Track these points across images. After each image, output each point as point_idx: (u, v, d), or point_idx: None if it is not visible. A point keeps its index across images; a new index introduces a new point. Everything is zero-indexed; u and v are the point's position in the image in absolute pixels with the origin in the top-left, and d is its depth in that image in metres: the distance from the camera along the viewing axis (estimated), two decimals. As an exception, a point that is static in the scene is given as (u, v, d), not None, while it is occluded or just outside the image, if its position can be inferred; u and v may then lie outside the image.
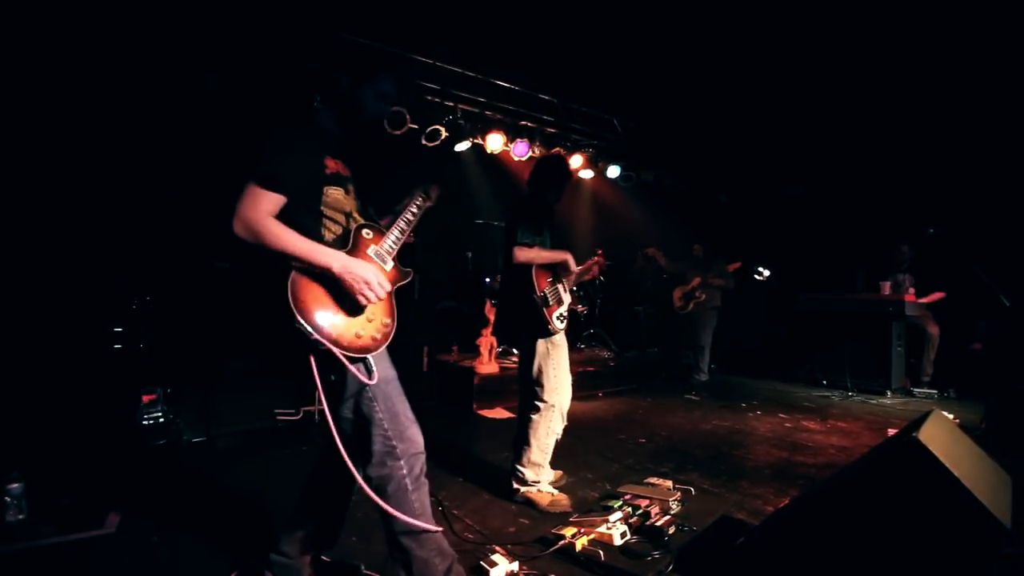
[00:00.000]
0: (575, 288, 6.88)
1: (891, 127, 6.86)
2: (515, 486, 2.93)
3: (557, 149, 6.67)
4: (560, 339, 3.01)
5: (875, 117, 6.82)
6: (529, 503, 2.86)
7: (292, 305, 1.53)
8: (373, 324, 1.70)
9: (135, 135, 4.50)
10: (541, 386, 2.93)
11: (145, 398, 3.78)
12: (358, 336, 1.64)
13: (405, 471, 1.70)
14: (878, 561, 1.76)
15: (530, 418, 2.94)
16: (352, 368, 1.60)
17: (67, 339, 4.10)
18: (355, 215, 1.80)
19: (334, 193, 1.73)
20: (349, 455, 1.87)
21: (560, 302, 2.99)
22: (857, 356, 6.14)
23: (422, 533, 1.70)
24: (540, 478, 2.92)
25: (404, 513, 1.66)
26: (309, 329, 1.54)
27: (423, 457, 1.77)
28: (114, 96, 4.31)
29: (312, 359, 1.59)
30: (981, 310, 4.74)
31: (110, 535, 2.50)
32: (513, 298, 2.96)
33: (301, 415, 4.43)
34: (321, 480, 1.93)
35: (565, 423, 3.06)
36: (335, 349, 1.57)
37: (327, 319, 1.59)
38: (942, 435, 1.92)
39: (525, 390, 3.03)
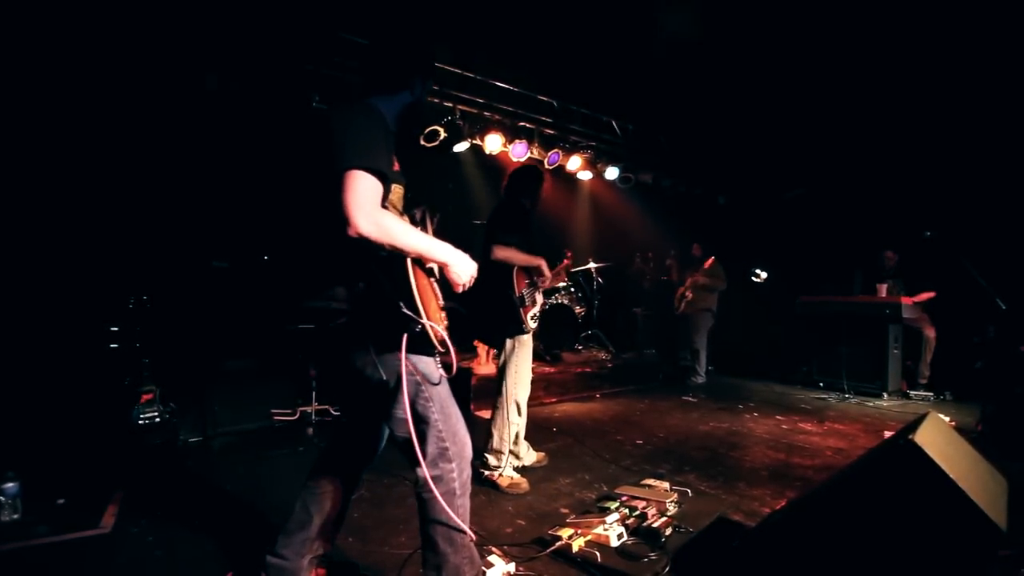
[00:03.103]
0: (572, 289, 6.93)
1: (888, 129, 6.88)
2: (479, 469, 3.18)
3: (556, 150, 6.68)
4: (527, 339, 3.26)
5: (872, 119, 6.84)
6: (491, 484, 3.13)
7: (413, 290, 1.56)
8: (443, 322, 1.73)
9: (133, 134, 4.50)
10: (504, 380, 3.22)
11: (142, 398, 3.78)
12: (437, 331, 1.66)
13: (456, 474, 1.69)
14: (875, 563, 1.77)
15: (496, 406, 3.24)
16: (452, 354, 1.66)
17: (63, 338, 4.10)
18: (404, 214, 1.80)
19: (399, 191, 1.75)
20: (366, 457, 1.93)
21: (534, 303, 3.28)
22: (854, 358, 6.15)
23: (460, 539, 1.69)
24: (501, 462, 3.18)
25: (450, 517, 1.65)
26: (425, 321, 1.57)
27: (471, 459, 1.77)
28: (112, 95, 4.30)
29: (404, 338, 1.58)
30: (988, 314, 4.75)
31: (105, 535, 2.49)
32: (490, 296, 3.15)
33: (298, 415, 4.43)
34: (321, 481, 1.92)
35: (524, 417, 3.32)
36: (442, 332, 1.63)
37: (428, 308, 1.64)
38: (938, 438, 1.93)
39: (496, 383, 3.30)
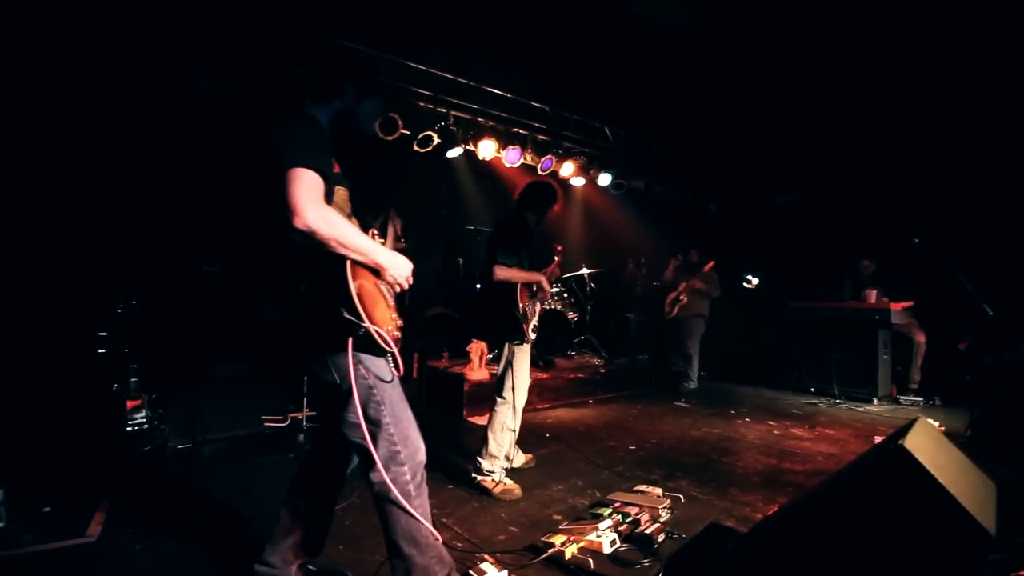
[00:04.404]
0: (565, 294, 6.94)
1: (878, 136, 6.96)
2: (472, 474, 3.22)
3: (549, 156, 6.70)
4: (526, 346, 3.34)
5: (862, 126, 6.92)
6: (483, 490, 3.13)
7: (352, 295, 1.57)
8: (395, 322, 1.75)
9: (123, 137, 4.46)
10: (503, 384, 3.28)
11: (130, 404, 3.73)
12: (389, 331, 1.69)
13: (408, 476, 1.70)
14: (865, 567, 1.77)
15: (494, 411, 3.27)
16: (394, 354, 1.69)
17: (49, 343, 4.04)
18: (352, 217, 1.81)
19: (342, 193, 1.77)
20: (346, 459, 1.90)
21: (535, 314, 3.41)
22: (844, 364, 6.20)
23: (424, 540, 1.70)
24: (495, 468, 3.17)
25: (408, 518, 1.67)
26: (367, 324, 1.59)
27: (424, 462, 1.77)
28: (104, 98, 4.27)
29: (350, 342, 1.61)
30: (973, 320, 4.80)
31: (91, 543, 2.46)
32: (495, 309, 3.29)
33: (288, 421, 4.39)
34: (306, 486, 1.91)
35: (519, 422, 3.33)
36: (385, 335, 1.64)
37: (374, 311, 1.66)
38: (928, 442, 1.94)
39: (496, 389, 3.36)
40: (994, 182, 6.45)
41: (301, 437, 4.20)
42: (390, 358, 1.73)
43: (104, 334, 4.09)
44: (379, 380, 1.69)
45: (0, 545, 2.39)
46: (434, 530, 1.73)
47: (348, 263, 1.60)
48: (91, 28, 4.03)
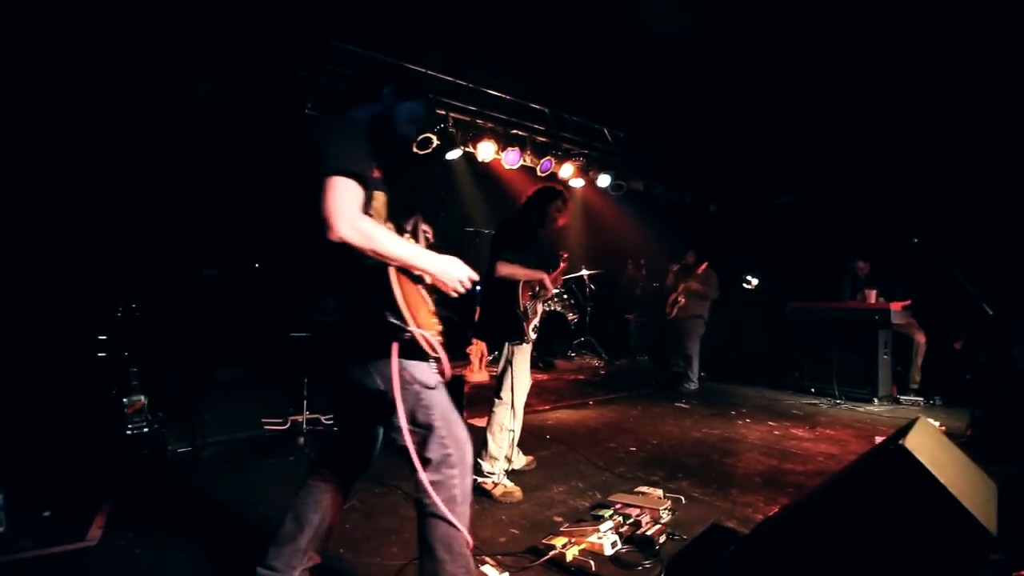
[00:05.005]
0: (565, 296, 6.94)
1: (876, 136, 6.98)
2: (472, 476, 3.09)
3: (548, 158, 6.71)
4: (526, 347, 3.33)
5: (860, 127, 6.93)
6: (483, 492, 3.09)
7: (398, 299, 1.55)
8: (436, 327, 1.71)
9: (123, 140, 4.47)
10: (502, 384, 3.27)
11: (129, 408, 3.73)
12: (433, 336, 1.66)
13: (457, 480, 1.68)
14: (866, 568, 1.77)
15: (492, 412, 3.27)
16: (443, 360, 1.66)
17: (49, 347, 4.04)
18: (388, 222, 1.80)
19: (381, 198, 1.76)
20: (364, 465, 1.92)
21: (536, 313, 3.38)
22: (845, 364, 6.19)
23: (458, 548, 1.67)
24: (495, 470, 3.16)
25: (451, 524, 1.64)
26: (413, 329, 1.57)
27: (472, 463, 1.76)
28: (103, 101, 4.28)
29: (395, 348, 1.59)
30: (971, 320, 4.80)
31: (92, 548, 2.45)
32: (496, 307, 3.28)
33: (289, 424, 4.39)
34: (313, 492, 1.90)
35: (519, 423, 3.34)
36: (432, 339, 1.61)
37: (417, 315, 1.63)
38: (928, 442, 1.94)
39: (496, 390, 3.35)
40: (992, 181, 6.46)
41: (301, 440, 4.20)
42: (434, 363, 1.70)
43: (104, 338, 4.09)
44: (425, 385, 1.67)
45: (0, 550, 2.39)
46: (469, 538, 1.71)
47: (392, 268, 1.58)
48: (92, 32, 4.03)
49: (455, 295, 1.73)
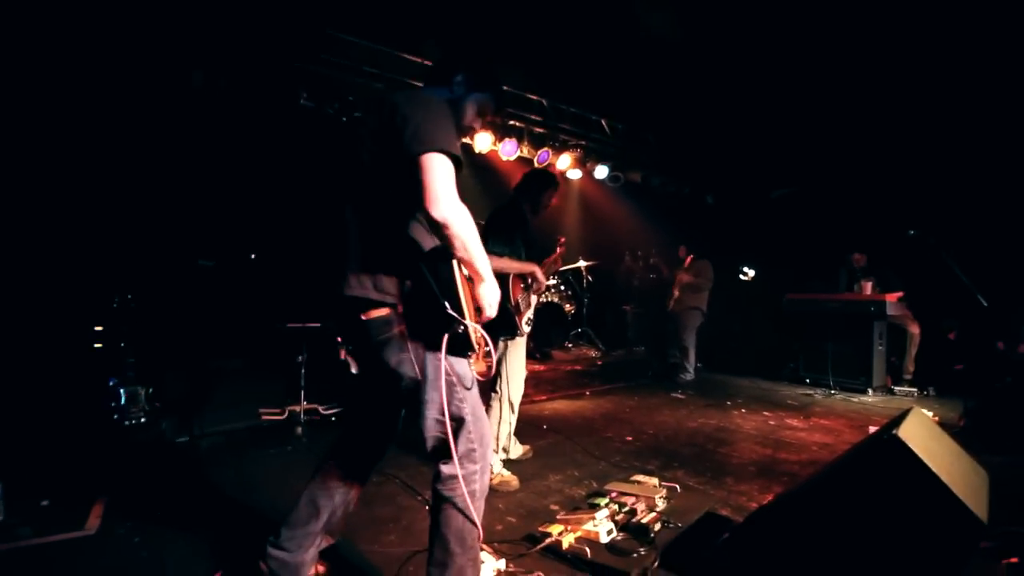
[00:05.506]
0: (562, 287, 6.94)
1: (874, 128, 6.97)
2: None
3: (545, 149, 6.68)
4: (521, 340, 3.32)
5: (857, 119, 6.92)
6: None
7: (460, 291, 1.55)
8: (475, 320, 1.71)
9: (117, 130, 4.43)
10: (497, 379, 3.28)
11: (127, 398, 3.73)
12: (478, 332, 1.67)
13: (479, 475, 1.67)
14: (859, 555, 1.79)
15: (488, 405, 3.25)
16: (492, 356, 1.69)
17: (46, 337, 4.03)
18: None
19: None
20: (381, 451, 1.96)
21: (529, 306, 3.33)
22: (840, 355, 6.23)
23: (471, 541, 1.67)
24: (492, 460, 3.10)
25: (468, 517, 1.64)
26: (468, 322, 1.57)
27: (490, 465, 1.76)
28: (97, 91, 4.23)
29: (445, 339, 1.57)
30: (965, 312, 4.82)
31: (90, 536, 2.46)
32: None
33: (286, 415, 4.40)
34: (331, 476, 1.89)
35: (516, 414, 3.35)
36: (484, 334, 1.63)
37: (468, 307, 1.62)
38: (921, 432, 1.96)
39: (491, 382, 3.35)
40: (986, 174, 6.47)
41: (299, 430, 4.21)
42: (471, 359, 1.71)
43: (100, 328, 4.08)
44: (463, 378, 1.66)
45: (-1, 538, 2.40)
46: (481, 531, 1.71)
47: (455, 262, 1.57)
48: (86, 21, 3.98)
49: (483, 319, 1.72)
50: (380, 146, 1.62)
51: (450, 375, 1.63)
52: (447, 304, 1.53)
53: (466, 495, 1.63)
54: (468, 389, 1.67)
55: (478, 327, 1.62)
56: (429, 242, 1.62)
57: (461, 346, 1.62)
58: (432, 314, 1.55)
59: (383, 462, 3.24)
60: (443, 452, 1.64)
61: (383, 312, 1.63)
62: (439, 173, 1.48)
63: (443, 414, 1.62)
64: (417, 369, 1.62)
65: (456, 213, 1.49)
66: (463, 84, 1.80)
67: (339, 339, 4.30)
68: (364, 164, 1.67)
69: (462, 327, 1.56)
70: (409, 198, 1.57)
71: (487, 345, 1.67)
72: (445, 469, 1.64)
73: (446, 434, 1.62)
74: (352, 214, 1.69)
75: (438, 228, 1.51)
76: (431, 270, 1.56)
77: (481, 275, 1.64)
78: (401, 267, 1.61)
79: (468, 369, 1.70)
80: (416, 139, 1.51)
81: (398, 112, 1.57)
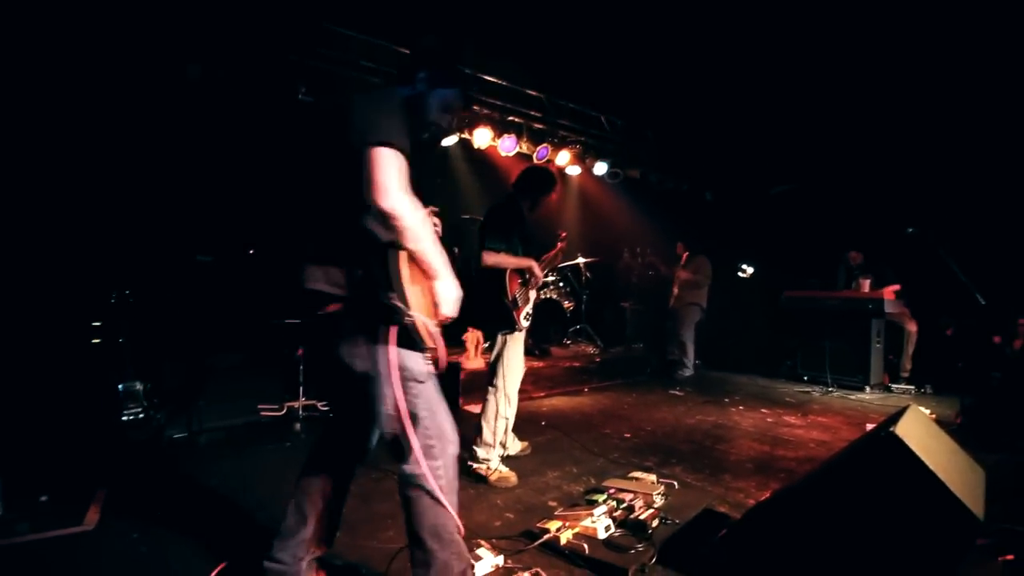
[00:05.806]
0: (561, 283, 6.94)
1: (873, 126, 6.96)
2: (467, 462, 3.19)
3: (545, 145, 6.67)
4: (519, 335, 3.32)
5: (857, 116, 6.92)
6: (479, 478, 3.16)
7: (404, 281, 1.55)
8: (435, 322, 1.70)
9: (113, 125, 4.41)
10: (495, 373, 3.28)
11: (125, 393, 3.73)
12: (434, 324, 1.67)
13: (441, 471, 1.67)
14: (856, 551, 1.80)
15: (486, 400, 3.28)
16: (440, 351, 1.66)
17: (44, 333, 4.02)
18: None
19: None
20: (362, 450, 1.92)
21: (527, 301, 3.33)
22: (837, 352, 6.24)
23: (448, 535, 1.66)
24: (490, 456, 3.20)
25: (437, 513, 1.64)
26: (414, 314, 1.56)
27: (456, 455, 1.74)
28: (92, 85, 4.21)
29: (393, 331, 1.58)
30: (963, 309, 4.83)
31: (89, 532, 2.46)
32: (484, 296, 3.23)
33: (285, 411, 4.40)
34: (313, 481, 1.87)
35: (514, 409, 3.33)
36: (432, 327, 1.62)
37: (419, 301, 1.62)
38: (918, 430, 1.96)
39: (488, 378, 3.36)
40: (984, 172, 6.47)
41: (298, 426, 4.21)
42: (428, 353, 1.68)
43: (98, 324, 4.07)
44: (416, 374, 1.65)
45: (-3, 534, 2.40)
46: (460, 524, 1.70)
47: (403, 252, 1.58)
48: (82, 16, 3.96)
49: (439, 318, 1.70)
50: (338, 141, 1.65)
51: (402, 370, 1.63)
52: (392, 295, 1.54)
53: (435, 490, 1.63)
54: (422, 383, 1.66)
55: (428, 322, 1.61)
56: (385, 236, 1.61)
57: (411, 340, 1.61)
58: (378, 305, 1.56)
59: (380, 459, 3.27)
60: (402, 450, 1.64)
61: (337, 306, 1.66)
62: (385, 165, 1.51)
63: (396, 410, 1.61)
64: (368, 363, 1.62)
65: (402, 205, 1.51)
66: (425, 81, 1.83)
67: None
68: (326, 159, 1.72)
69: (409, 319, 1.55)
70: (361, 192, 1.59)
71: (435, 342, 1.65)
72: (407, 468, 1.64)
73: (401, 430, 1.62)
74: (316, 208, 1.73)
75: (385, 219, 1.52)
76: (379, 261, 1.58)
77: (434, 270, 1.66)
78: (353, 259, 1.63)
79: (422, 364, 1.68)
80: (364, 133, 1.55)
81: (354, 109, 1.63)
